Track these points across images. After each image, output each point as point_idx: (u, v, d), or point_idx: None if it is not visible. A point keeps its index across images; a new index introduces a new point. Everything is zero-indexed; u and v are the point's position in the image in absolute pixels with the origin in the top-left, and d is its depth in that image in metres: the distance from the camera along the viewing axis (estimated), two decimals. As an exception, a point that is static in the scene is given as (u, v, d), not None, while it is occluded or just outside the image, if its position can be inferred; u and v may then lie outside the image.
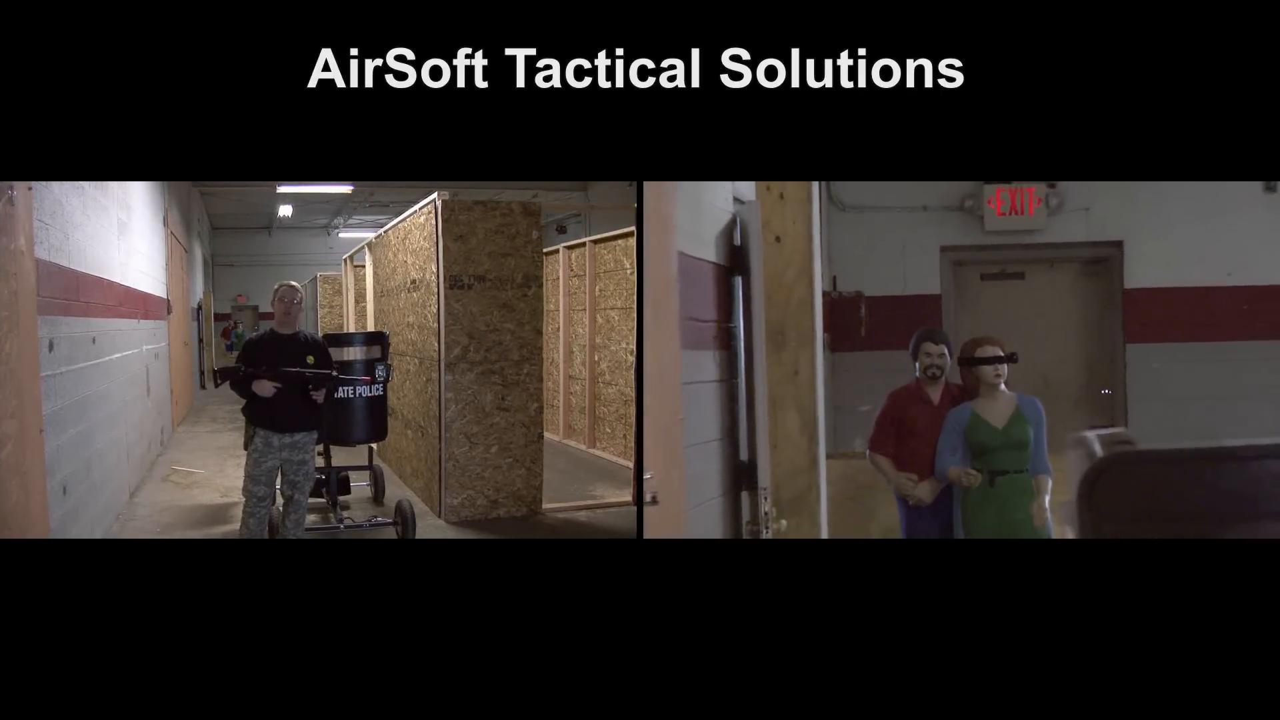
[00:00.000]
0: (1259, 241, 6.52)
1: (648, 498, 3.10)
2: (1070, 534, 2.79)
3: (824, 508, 4.23)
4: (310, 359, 5.43)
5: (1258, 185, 6.62)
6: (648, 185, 3.23)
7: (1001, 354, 4.55)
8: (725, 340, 3.77)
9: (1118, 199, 6.68)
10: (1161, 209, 6.72)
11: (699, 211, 3.58)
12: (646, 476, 3.12)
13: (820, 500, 4.21)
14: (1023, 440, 4.43)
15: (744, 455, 3.80)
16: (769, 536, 3.78)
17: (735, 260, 3.84)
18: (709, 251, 3.67)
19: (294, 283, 5.66)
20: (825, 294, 4.99)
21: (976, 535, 4.34)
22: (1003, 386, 4.54)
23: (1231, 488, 2.53)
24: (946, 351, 4.75)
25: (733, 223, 3.86)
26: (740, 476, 3.78)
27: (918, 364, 4.75)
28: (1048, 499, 4.33)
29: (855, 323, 6.79)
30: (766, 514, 3.79)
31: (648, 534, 3.25)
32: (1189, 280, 6.68)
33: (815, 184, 4.43)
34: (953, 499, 4.51)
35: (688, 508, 3.32)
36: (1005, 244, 6.86)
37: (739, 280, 3.84)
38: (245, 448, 5.51)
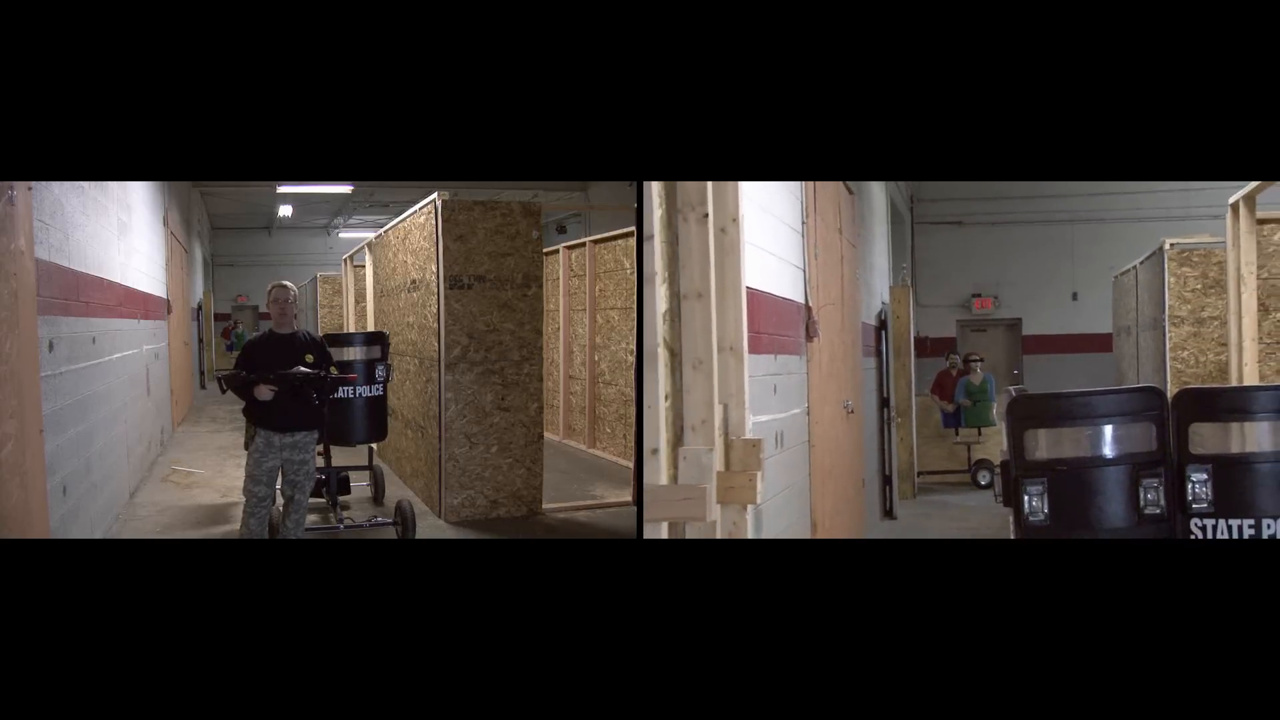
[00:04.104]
0: (1072, 317, 16.18)
1: (849, 409, 6.41)
2: (1003, 429, 5.71)
3: (914, 414, 11.31)
4: (309, 358, 5.42)
5: (1069, 295, 16.16)
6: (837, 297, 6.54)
7: (978, 358, 12.06)
8: (878, 352, 9.36)
9: (1021, 303, 16.53)
10: (1039, 309, 16.43)
11: (870, 304, 8.94)
12: (847, 401, 6.30)
13: (912, 411, 11.27)
14: (986, 389, 11.77)
15: (885, 394, 9.52)
16: (894, 428, 10.02)
17: (882, 323, 9.75)
18: (873, 320, 9.19)
19: (286, 282, 5.62)
20: (915, 336, 11.79)
21: (970, 424, 11.75)
22: (979, 370, 11.91)
23: (1066, 410, 5.30)
24: (958, 357, 12.45)
25: (882, 308, 9.88)
26: (882, 403, 9.43)
27: (947, 362, 12.48)
28: (995, 411, 11.30)
29: (925, 347, 14.70)
30: (892, 417, 9.85)
31: (848, 430, 6.40)
32: (1047, 331, 16.44)
33: (910, 293, 11.21)
34: (960, 410, 11.73)
35: (865, 414, 7.92)
36: (979, 318, 16.86)
37: (883, 331, 9.69)
38: (246, 447, 5.51)
